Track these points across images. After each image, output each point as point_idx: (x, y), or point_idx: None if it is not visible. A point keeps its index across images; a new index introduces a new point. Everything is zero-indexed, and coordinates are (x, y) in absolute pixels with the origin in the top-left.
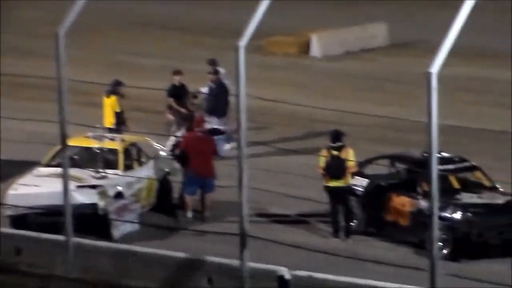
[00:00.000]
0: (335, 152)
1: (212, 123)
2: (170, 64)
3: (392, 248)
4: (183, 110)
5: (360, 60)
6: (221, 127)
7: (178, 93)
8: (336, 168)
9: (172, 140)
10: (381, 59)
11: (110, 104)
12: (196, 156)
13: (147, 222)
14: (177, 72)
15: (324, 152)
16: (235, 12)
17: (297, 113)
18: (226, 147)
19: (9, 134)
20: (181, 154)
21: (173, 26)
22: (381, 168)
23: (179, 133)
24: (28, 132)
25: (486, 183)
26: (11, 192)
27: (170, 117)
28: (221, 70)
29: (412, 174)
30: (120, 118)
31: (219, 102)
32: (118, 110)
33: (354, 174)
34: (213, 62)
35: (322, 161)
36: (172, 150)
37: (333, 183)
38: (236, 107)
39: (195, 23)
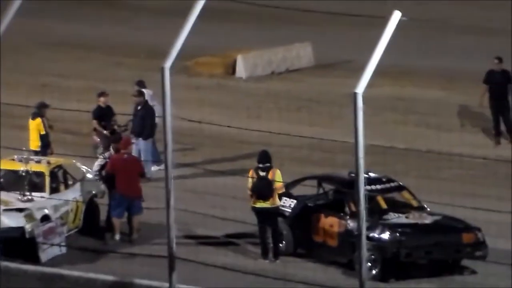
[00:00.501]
0: (262, 173)
1: (139, 144)
2: (95, 85)
3: (322, 269)
4: (106, 132)
5: (286, 81)
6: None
7: (104, 114)
8: (262, 189)
9: (98, 162)
10: (307, 80)
11: (35, 127)
12: (123, 178)
13: (74, 245)
14: (102, 94)
15: (251, 173)
16: (159, 33)
17: (224, 134)
18: (154, 169)
19: None
20: (107, 175)
21: (96, 47)
22: (308, 189)
23: (105, 155)
24: None
25: (414, 203)
26: None
27: (96, 139)
28: (149, 91)
29: (339, 194)
30: (45, 141)
31: (145, 123)
32: (43, 132)
33: (281, 195)
34: (141, 83)
35: (249, 182)
36: (99, 172)
37: (260, 204)
38: (162, 129)
39: (118, 44)
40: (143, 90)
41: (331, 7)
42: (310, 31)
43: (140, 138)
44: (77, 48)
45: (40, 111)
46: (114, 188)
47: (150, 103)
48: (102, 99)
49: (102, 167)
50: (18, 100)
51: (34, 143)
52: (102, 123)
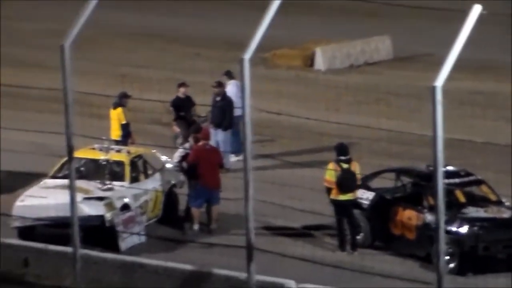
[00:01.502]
0: (345, 165)
1: (217, 135)
2: (174, 76)
3: (399, 261)
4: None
5: (364, 74)
6: (227, 140)
7: (183, 105)
8: (347, 181)
9: (179, 152)
10: (385, 73)
11: (116, 116)
12: (204, 168)
13: (153, 234)
14: (182, 84)
15: (332, 166)
16: (237, 25)
17: (302, 126)
18: (232, 159)
19: (15, 146)
20: (189, 166)
21: (175, 38)
22: (387, 182)
23: (186, 146)
24: (34, 143)
25: (492, 197)
26: (18, 203)
27: (176, 129)
28: (237, 82)
29: (417, 187)
30: (126, 130)
31: (224, 114)
32: (123, 121)
33: (359, 187)
34: (229, 74)
35: (330, 174)
36: (180, 162)
37: (342, 197)
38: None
39: (197, 36)
40: (231, 80)
41: (410, 0)
42: (389, 24)
43: (219, 129)
44: (157, 39)
45: (121, 101)
46: (195, 178)
47: (238, 93)
48: (181, 89)
49: (183, 157)
50: (98, 90)
51: (115, 133)
52: (181, 113)
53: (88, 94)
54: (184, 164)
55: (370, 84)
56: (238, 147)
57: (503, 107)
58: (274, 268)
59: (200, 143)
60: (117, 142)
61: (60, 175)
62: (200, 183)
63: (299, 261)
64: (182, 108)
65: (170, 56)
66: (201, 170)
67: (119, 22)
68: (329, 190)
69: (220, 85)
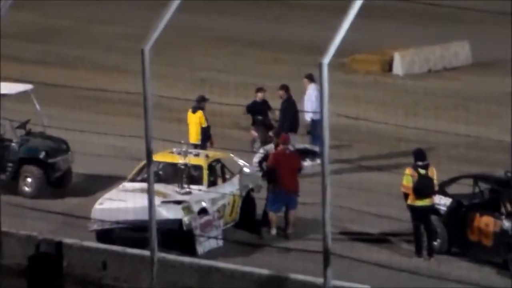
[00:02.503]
0: (422, 171)
1: None
2: (252, 80)
3: (476, 268)
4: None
5: (443, 79)
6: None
7: (259, 109)
8: (425, 187)
9: (257, 157)
10: (464, 78)
11: (197, 120)
12: (283, 173)
13: (230, 238)
14: (260, 89)
15: (409, 171)
16: (315, 29)
17: (380, 131)
18: (306, 164)
19: (95, 149)
20: (269, 170)
21: (254, 43)
22: (464, 188)
23: (266, 148)
24: (113, 147)
25: None
26: (97, 206)
27: (254, 133)
28: (317, 85)
29: (495, 193)
30: (206, 134)
31: (285, 117)
32: (204, 125)
33: (436, 193)
34: (310, 77)
35: (407, 180)
36: (260, 166)
37: (420, 202)
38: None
39: (275, 40)
40: (312, 84)
41: (490, 5)
42: (469, 30)
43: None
44: (235, 43)
45: (200, 104)
46: (274, 183)
47: (318, 97)
48: (259, 94)
49: (262, 160)
50: (176, 94)
51: (194, 136)
52: (258, 117)
53: (167, 98)
54: (264, 165)
55: (449, 89)
56: (315, 151)
57: None
58: (350, 274)
59: (280, 148)
60: (195, 146)
61: (138, 178)
62: (279, 188)
63: (375, 267)
64: (259, 113)
65: (249, 60)
66: (281, 175)
67: (199, 26)
68: (406, 196)
69: (283, 87)
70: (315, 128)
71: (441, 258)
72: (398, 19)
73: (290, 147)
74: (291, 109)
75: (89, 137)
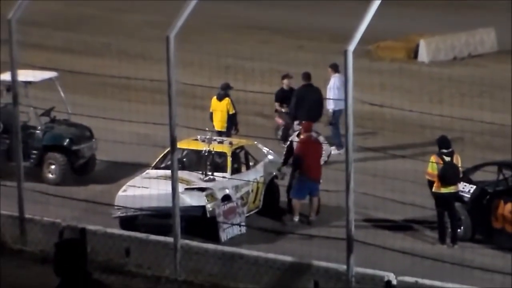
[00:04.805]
0: (447, 158)
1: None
2: (277, 68)
3: (499, 255)
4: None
5: (468, 66)
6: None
7: (286, 97)
8: (451, 174)
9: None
10: (490, 65)
11: (223, 107)
12: (310, 160)
13: (254, 225)
14: (286, 76)
15: (434, 158)
16: (341, 16)
17: (405, 118)
18: (334, 152)
19: (119, 136)
20: (295, 158)
21: (279, 30)
22: (488, 175)
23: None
24: (138, 134)
25: None
26: (121, 193)
27: (279, 120)
28: (341, 76)
29: None
30: (233, 120)
31: (302, 105)
32: (232, 112)
33: (461, 180)
34: (334, 67)
35: (432, 167)
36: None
37: (445, 189)
38: (344, 112)
39: (300, 27)
40: (336, 74)
41: None
42: (494, 17)
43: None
44: (261, 31)
45: (226, 91)
46: (299, 170)
47: (340, 87)
48: (285, 81)
49: (287, 151)
50: (201, 82)
51: (220, 124)
52: (284, 105)
53: (192, 85)
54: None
55: (474, 76)
56: (338, 140)
57: None
58: (374, 261)
59: (304, 135)
60: (220, 133)
61: (162, 165)
62: (304, 175)
63: (398, 254)
64: (285, 100)
65: (274, 48)
66: (308, 162)
67: (224, 14)
68: (431, 183)
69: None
70: (336, 120)
71: (465, 245)
72: (423, 6)
73: (314, 134)
74: (311, 97)
75: (112, 124)
